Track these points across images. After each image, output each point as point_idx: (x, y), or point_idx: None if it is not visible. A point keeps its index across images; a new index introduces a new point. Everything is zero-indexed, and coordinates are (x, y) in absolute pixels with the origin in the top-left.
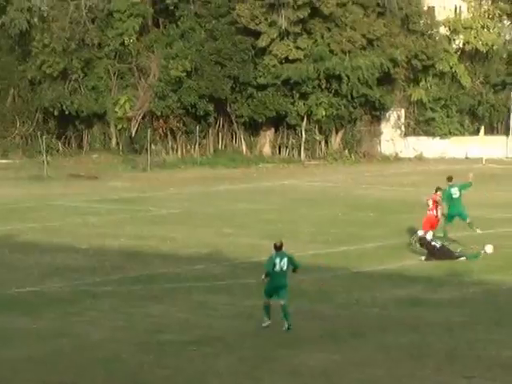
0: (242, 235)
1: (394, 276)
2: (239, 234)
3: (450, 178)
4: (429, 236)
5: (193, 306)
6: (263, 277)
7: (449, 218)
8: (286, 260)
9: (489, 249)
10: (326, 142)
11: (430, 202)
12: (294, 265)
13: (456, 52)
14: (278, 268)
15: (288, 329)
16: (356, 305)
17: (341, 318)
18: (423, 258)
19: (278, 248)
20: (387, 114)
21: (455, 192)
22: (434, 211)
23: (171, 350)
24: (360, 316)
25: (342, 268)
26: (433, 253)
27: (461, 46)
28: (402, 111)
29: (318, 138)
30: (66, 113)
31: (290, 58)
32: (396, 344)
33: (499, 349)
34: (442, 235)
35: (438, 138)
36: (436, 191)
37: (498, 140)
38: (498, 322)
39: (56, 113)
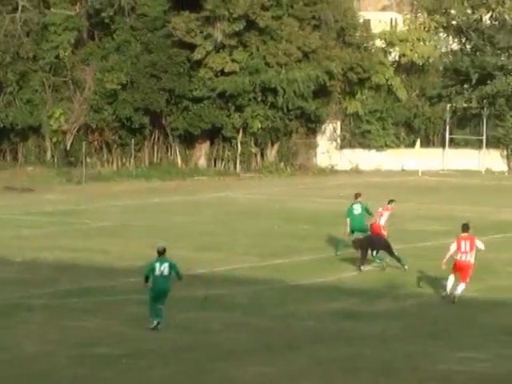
0: (177, 247)
1: (330, 289)
2: (174, 246)
3: (357, 195)
4: (354, 237)
5: (127, 318)
6: (143, 281)
7: (351, 232)
8: (166, 265)
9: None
10: (262, 155)
11: (386, 213)
12: (175, 272)
13: (392, 65)
14: (157, 272)
15: (156, 326)
16: (291, 317)
17: (276, 331)
18: (360, 266)
19: (161, 253)
20: (323, 127)
21: (357, 208)
22: (378, 219)
23: (106, 362)
24: (295, 329)
25: (277, 281)
26: (364, 243)
27: (397, 58)
28: (338, 124)
29: (253, 150)
30: (1, 126)
31: (225, 70)
32: (331, 356)
33: (435, 362)
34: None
35: (373, 151)
36: (388, 203)
37: (434, 152)
38: (434, 334)
39: None
